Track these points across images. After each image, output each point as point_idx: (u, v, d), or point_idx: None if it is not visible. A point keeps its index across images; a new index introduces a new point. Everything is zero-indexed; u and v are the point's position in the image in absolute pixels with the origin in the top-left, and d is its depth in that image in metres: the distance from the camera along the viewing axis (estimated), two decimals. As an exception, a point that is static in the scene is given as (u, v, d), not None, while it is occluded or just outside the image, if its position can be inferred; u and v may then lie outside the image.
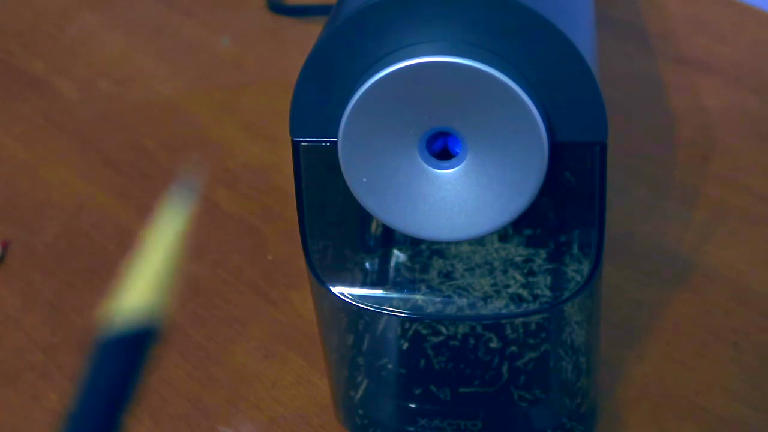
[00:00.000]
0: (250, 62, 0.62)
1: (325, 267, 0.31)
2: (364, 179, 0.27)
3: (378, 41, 0.26)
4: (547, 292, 0.31)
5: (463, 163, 0.27)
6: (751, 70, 0.56)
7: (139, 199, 0.51)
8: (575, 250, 0.31)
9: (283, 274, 0.45)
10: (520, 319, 0.32)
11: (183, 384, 0.40)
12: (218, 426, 0.38)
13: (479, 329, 0.32)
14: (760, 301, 0.41)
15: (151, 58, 0.63)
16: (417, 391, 0.34)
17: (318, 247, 0.31)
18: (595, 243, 0.29)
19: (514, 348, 0.33)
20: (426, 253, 0.32)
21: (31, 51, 0.65)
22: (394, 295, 0.32)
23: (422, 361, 0.33)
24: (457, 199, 0.27)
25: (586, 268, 0.30)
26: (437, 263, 0.32)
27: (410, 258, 0.32)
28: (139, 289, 0.17)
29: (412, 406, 0.35)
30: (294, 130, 0.29)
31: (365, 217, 0.30)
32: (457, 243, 0.32)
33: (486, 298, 0.31)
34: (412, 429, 0.35)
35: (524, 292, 0.31)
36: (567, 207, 0.31)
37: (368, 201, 0.27)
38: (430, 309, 0.31)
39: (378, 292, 0.32)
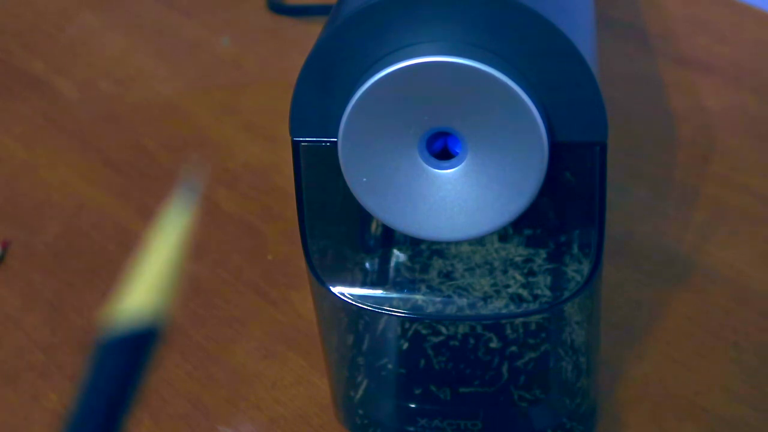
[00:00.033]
0: (250, 62, 0.62)
1: (325, 267, 0.31)
2: (364, 179, 0.27)
3: (378, 41, 0.26)
4: (547, 292, 0.31)
5: (463, 163, 0.27)
6: (751, 70, 0.56)
7: (139, 199, 0.51)
8: (575, 250, 0.31)
9: (283, 274, 0.45)
10: (520, 319, 0.32)
11: (183, 384, 0.40)
12: (218, 426, 0.38)
13: (479, 329, 0.32)
14: (760, 301, 0.41)
15: (151, 58, 0.63)
16: (417, 391, 0.34)
17: (318, 247, 0.31)
18: (595, 243, 0.29)
19: (514, 348, 0.33)
20: (426, 253, 0.32)
21: (31, 51, 0.65)
22: (394, 295, 0.32)
23: (422, 361, 0.33)
24: (457, 199, 0.27)
25: (586, 268, 0.30)
26: (437, 263, 0.32)
27: (410, 258, 0.32)
28: (141, 291, 0.17)
29: (412, 406, 0.35)
30: (294, 130, 0.29)
31: (365, 217, 0.30)
32: (457, 243, 0.32)
33: (486, 298, 0.31)
34: (412, 429, 0.35)
35: (524, 292, 0.31)
36: (567, 207, 0.31)
37: (368, 201, 0.27)
38: (430, 309, 0.31)
39: (378, 292, 0.32)
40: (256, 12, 0.67)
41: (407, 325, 0.33)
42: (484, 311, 0.31)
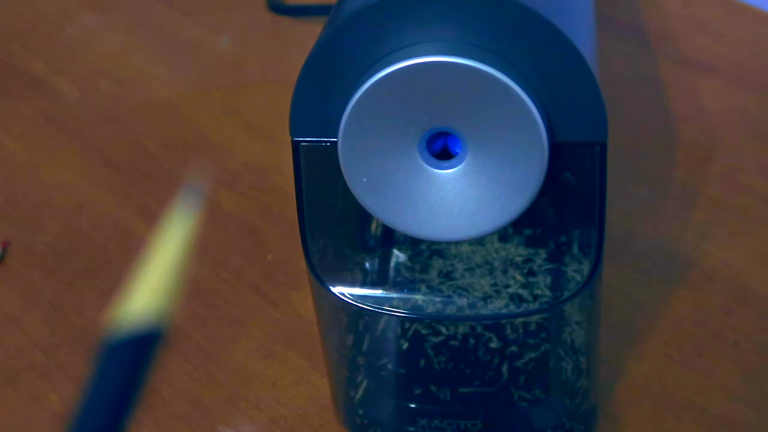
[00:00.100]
0: (250, 62, 0.62)
1: (325, 267, 0.31)
2: (364, 179, 0.27)
3: (378, 41, 0.26)
4: (547, 292, 0.31)
5: (463, 163, 0.27)
6: (751, 70, 0.56)
7: (139, 199, 0.51)
8: (575, 250, 0.31)
9: (283, 274, 0.45)
10: (520, 319, 0.32)
11: (183, 384, 0.40)
12: (218, 426, 0.38)
13: (479, 329, 0.32)
14: (760, 301, 0.41)
15: (151, 58, 0.63)
16: (417, 391, 0.34)
17: (318, 247, 0.31)
18: (595, 243, 0.29)
19: (514, 348, 0.33)
20: (426, 253, 0.32)
21: (31, 51, 0.65)
22: (394, 295, 0.32)
23: (422, 361, 0.33)
24: (457, 199, 0.27)
25: (586, 268, 0.30)
26: (437, 263, 0.32)
27: (410, 258, 0.32)
28: (145, 293, 0.17)
29: (412, 406, 0.35)
30: (294, 130, 0.29)
31: (365, 217, 0.30)
32: (457, 243, 0.32)
33: (486, 298, 0.31)
34: (412, 429, 0.35)
35: (524, 292, 0.31)
36: (567, 207, 0.31)
37: (368, 201, 0.27)
38: (430, 309, 0.31)
39: (378, 292, 0.32)
40: (256, 12, 0.67)
41: (407, 325, 0.33)
42: (484, 311, 0.31)
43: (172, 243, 0.17)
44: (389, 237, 0.33)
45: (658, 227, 0.45)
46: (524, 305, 0.31)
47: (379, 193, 0.27)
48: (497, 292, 0.31)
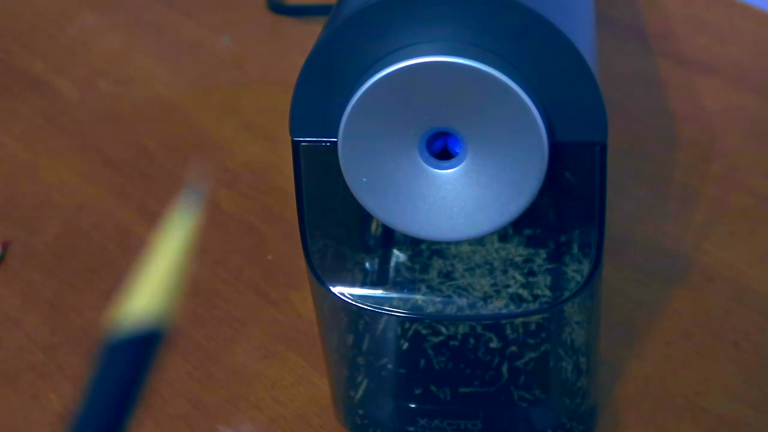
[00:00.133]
0: (250, 62, 0.62)
1: (325, 267, 0.31)
2: (364, 179, 0.27)
3: (378, 41, 0.26)
4: (547, 292, 0.31)
5: (463, 163, 0.27)
6: (751, 70, 0.56)
7: (139, 199, 0.51)
8: (575, 250, 0.31)
9: (283, 274, 0.45)
10: (520, 319, 0.32)
11: (183, 384, 0.40)
12: (218, 426, 0.38)
13: (479, 329, 0.32)
14: (760, 301, 0.41)
15: (151, 58, 0.63)
16: (417, 391, 0.34)
17: (318, 247, 0.31)
18: (595, 243, 0.29)
19: (514, 348, 0.33)
20: (426, 253, 0.32)
21: (31, 51, 0.65)
22: (394, 295, 0.32)
23: (422, 361, 0.33)
24: (457, 199, 0.27)
25: (586, 268, 0.30)
26: (437, 263, 0.32)
27: (410, 258, 0.32)
28: (146, 294, 0.17)
29: (412, 406, 0.35)
30: (294, 130, 0.29)
31: (365, 217, 0.30)
32: (457, 243, 0.32)
33: (486, 298, 0.31)
34: (412, 429, 0.35)
35: (524, 292, 0.31)
36: (567, 207, 0.31)
37: (368, 201, 0.27)
38: (430, 309, 0.31)
39: (378, 292, 0.32)
40: (256, 12, 0.67)
41: (407, 325, 0.33)
42: (484, 311, 0.31)
43: (173, 243, 0.17)
44: (389, 237, 0.33)
45: (658, 227, 0.45)
46: (524, 305, 0.31)
47: (379, 193, 0.27)
48: (497, 292, 0.31)
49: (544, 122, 0.26)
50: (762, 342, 0.39)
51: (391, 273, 0.32)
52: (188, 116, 0.57)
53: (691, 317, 0.41)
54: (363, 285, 0.32)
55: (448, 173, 0.27)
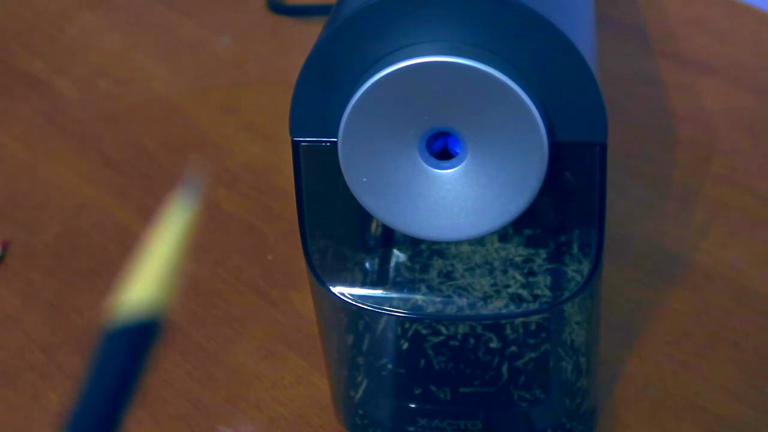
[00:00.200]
0: (250, 62, 0.62)
1: (325, 267, 0.31)
2: (364, 179, 0.27)
3: (378, 41, 0.26)
4: (547, 292, 0.31)
5: (463, 163, 0.27)
6: (751, 70, 0.56)
7: (139, 199, 0.51)
8: (575, 250, 0.31)
9: (283, 274, 0.45)
10: (520, 319, 0.32)
11: (183, 384, 0.40)
12: (218, 426, 0.38)
13: (479, 329, 0.32)
14: (760, 301, 0.41)
15: (151, 58, 0.63)
16: (417, 391, 0.34)
17: (318, 247, 0.31)
18: (595, 243, 0.29)
19: (514, 348, 0.33)
20: (426, 253, 0.32)
21: (31, 51, 0.65)
22: (394, 295, 0.32)
23: (422, 361, 0.33)
24: (457, 199, 0.27)
25: (586, 268, 0.30)
26: (437, 263, 0.32)
27: (410, 258, 0.32)
28: (142, 284, 0.17)
29: (412, 406, 0.35)
30: (294, 130, 0.29)
31: (365, 217, 0.30)
32: (457, 243, 0.32)
33: (486, 298, 0.31)
34: (412, 429, 0.35)
35: (524, 292, 0.31)
36: (567, 207, 0.31)
37: (368, 201, 0.27)
38: (430, 309, 0.31)
39: (378, 292, 0.32)
40: (256, 12, 0.67)
41: (407, 325, 0.33)
42: (484, 311, 0.31)
43: (169, 234, 0.17)
44: (389, 237, 0.33)
45: (658, 227, 0.45)
46: (524, 305, 0.31)
47: (379, 193, 0.27)
48: (497, 292, 0.31)
49: (544, 122, 0.26)
50: (762, 342, 0.39)
51: (391, 273, 0.32)
52: (188, 116, 0.57)
53: (691, 317, 0.41)
54: (363, 285, 0.32)
55: (448, 173, 0.27)
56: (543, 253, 0.31)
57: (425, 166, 0.27)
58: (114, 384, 0.16)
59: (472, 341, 0.33)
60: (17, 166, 0.55)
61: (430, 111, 0.26)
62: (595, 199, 0.28)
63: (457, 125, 0.26)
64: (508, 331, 0.32)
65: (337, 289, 0.31)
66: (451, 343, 0.33)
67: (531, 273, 0.31)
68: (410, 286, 0.32)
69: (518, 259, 0.31)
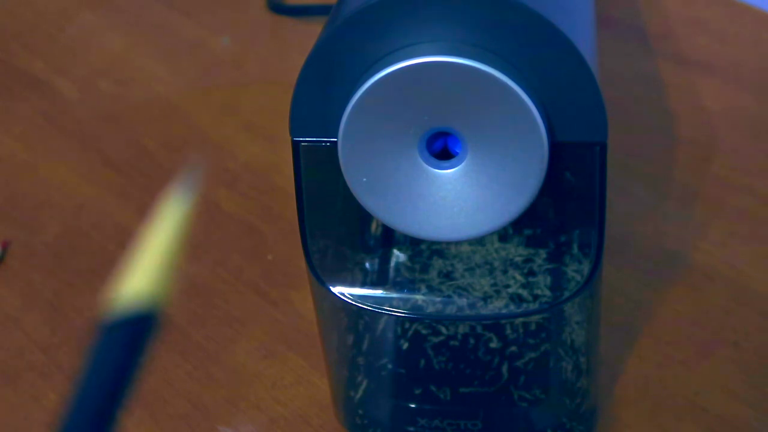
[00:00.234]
0: (250, 62, 0.62)
1: (325, 267, 0.31)
2: (364, 179, 0.27)
3: (378, 41, 0.26)
4: (547, 292, 0.31)
5: (463, 163, 0.27)
6: (751, 70, 0.56)
7: (139, 199, 0.51)
8: (575, 250, 0.31)
9: (283, 274, 0.45)
10: (520, 319, 0.32)
11: (183, 384, 0.40)
12: (218, 426, 0.38)
13: (479, 329, 0.32)
14: (760, 301, 0.41)
15: (151, 58, 0.63)
16: (417, 391, 0.34)
17: (318, 247, 0.31)
18: (595, 243, 0.29)
19: (514, 348, 0.33)
20: (426, 253, 0.32)
21: (31, 51, 0.65)
22: (394, 295, 0.32)
23: (422, 361, 0.33)
24: (457, 199, 0.27)
25: (586, 268, 0.30)
26: (437, 263, 0.32)
27: (410, 258, 0.32)
28: (137, 277, 0.17)
29: (412, 406, 0.35)
30: (294, 130, 0.29)
31: (365, 217, 0.30)
32: (457, 243, 0.32)
33: (486, 298, 0.31)
34: (412, 429, 0.35)
35: (524, 292, 0.31)
36: (567, 207, 0.31)
37: (368, 201, 0.27)
38: (430, 309, 0.31)
39: (378, 292, 0.32)
40: (256, 12, 0.67)
41: (407, 325, 0.33)
42: (484, 311, 0.31)
43: (164, 227, 0.17)
44: (389, 237, 0.33)
45: (658, 227, 0.45)
46: (524, 305, 0.31)
47: (379, 193, 0.27)
48: (497, 292, 0.31)
49: (544, 122, 0.26)
50: (762, 342, 0.39)
51: (391, 273, 0.32)
52: (188, 116, 0.57)
53: (691, 317, 0.41)
54: (363, 285, 0.32)
55: (448, 173, 0.27)
56: (543, 253, 0.31)
57: (425, 166, 0.27)
58: (110, 377, 0.16)
59: (472, 341, 0.33)
60: (17, 166, 0.55)
61: (430, 111, 0.26)
62: (595, 199, 0.28)
63: (457, 125, 0.26)
64: (508, 331, 0.32)
65: (337, 289, 0.31)
66: (451, 343, 0.33)
67: (531, 273, 0.31)
68: (410, 286, 0.32)
69: (518, 259, 0.31)
